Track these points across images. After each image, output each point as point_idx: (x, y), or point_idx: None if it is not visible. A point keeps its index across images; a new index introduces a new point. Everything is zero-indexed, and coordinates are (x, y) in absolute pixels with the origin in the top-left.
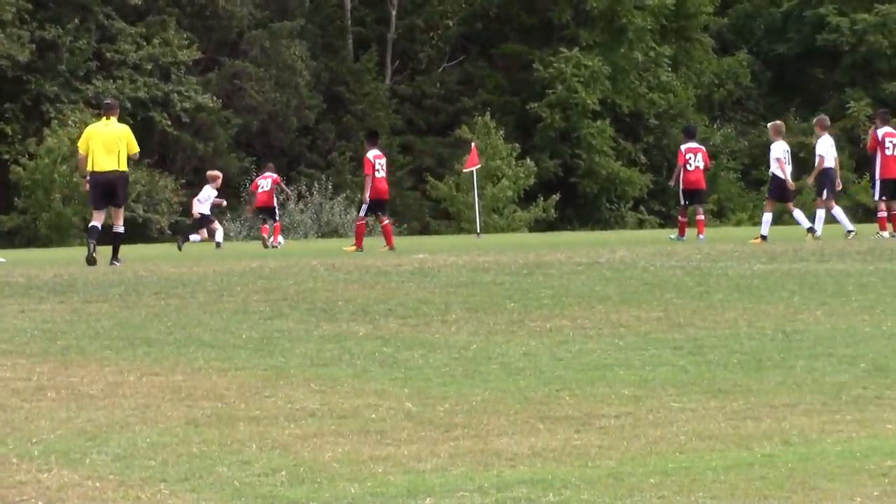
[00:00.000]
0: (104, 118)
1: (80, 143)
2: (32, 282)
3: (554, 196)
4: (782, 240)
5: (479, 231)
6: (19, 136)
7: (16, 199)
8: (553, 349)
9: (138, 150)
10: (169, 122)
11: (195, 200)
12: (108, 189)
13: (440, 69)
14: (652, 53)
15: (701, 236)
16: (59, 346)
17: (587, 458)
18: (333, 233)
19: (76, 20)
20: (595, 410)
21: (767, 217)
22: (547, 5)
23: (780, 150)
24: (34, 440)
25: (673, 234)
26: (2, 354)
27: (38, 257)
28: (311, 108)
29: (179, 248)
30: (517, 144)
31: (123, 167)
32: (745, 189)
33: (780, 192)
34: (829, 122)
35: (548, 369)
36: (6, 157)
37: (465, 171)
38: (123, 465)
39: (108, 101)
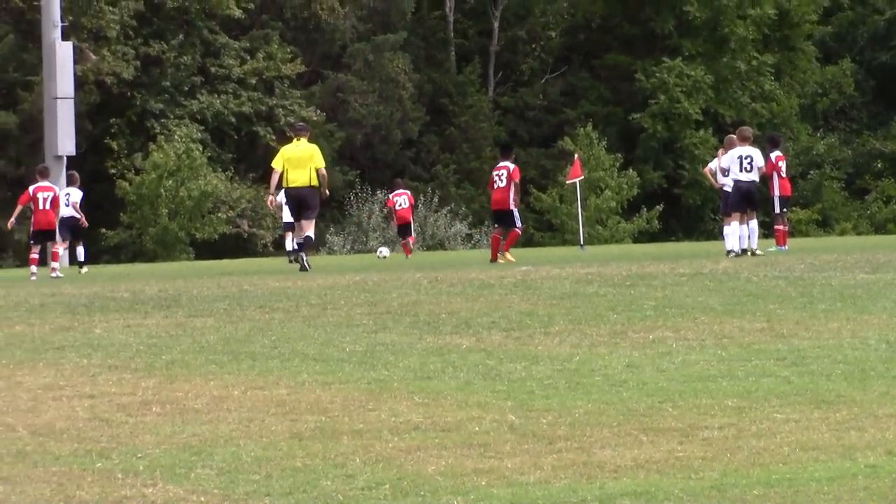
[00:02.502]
0: (294, 139)
1: (275, 162)
2: (137, 297)
3: (657, 207)
4: (887, 249)
5: (582, 242)
6: (125, 152)
7: (122, 214)
8: (656, 360)
9: (324, 163)
10: (273, 137)
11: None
12: (301, 202)
13: (542, 80)
14: (755, 62)
15: (783, 247)
16: (164, 361)
17: (690, 469)
18: (439, 246)
19: (180, 35)
20: (698, 422)
21: (736, 228)
22: (649, 15)
23: (730, 160)
24: (139, 455)
25: (772, 246)
26: (108, 369)
27: (144, 271)
28: (414, 120)
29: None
30: (620, 155)
31: (313, 182)
32: (850, 198)
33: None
34: (749, 134)
35: (651, 381)
36: (112, 172)
37: (568, 182)
38: (228, 480)
39: (299, 123)
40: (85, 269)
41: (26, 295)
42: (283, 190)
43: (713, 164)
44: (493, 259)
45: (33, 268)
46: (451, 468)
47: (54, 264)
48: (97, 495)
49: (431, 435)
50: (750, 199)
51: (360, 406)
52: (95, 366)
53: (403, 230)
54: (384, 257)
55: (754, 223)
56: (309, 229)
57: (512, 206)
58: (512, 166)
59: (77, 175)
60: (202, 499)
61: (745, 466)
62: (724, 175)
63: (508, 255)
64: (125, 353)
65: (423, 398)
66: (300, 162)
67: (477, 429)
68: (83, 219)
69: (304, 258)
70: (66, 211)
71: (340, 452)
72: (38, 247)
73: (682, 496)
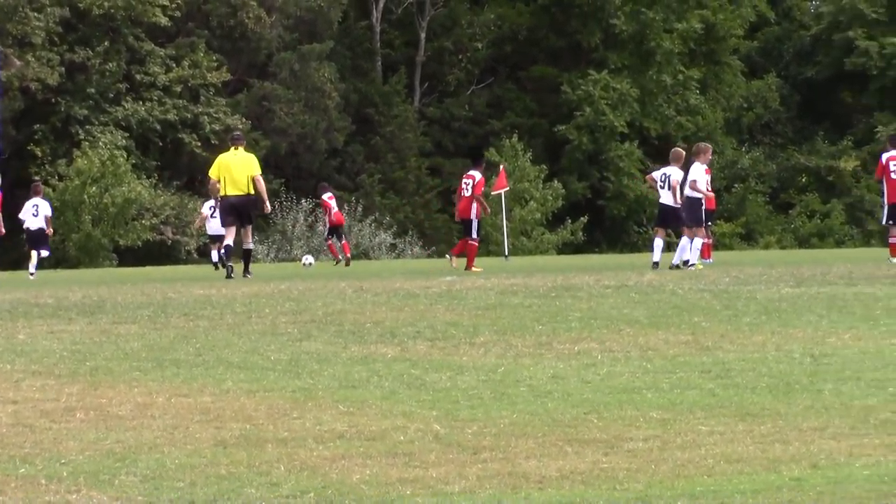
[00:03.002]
0: (232, 148)
1: (212, 171)
2: (61, 303)
3: (582, 219)
4: (811, 263)
5: (507, 254)
6: (49, 158)
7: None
8: (581, 372)
9: (259, 172)
10: (198, 144)
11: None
12: (239, 210)
13: (469, 91)
14: (680, 76)
15: (708, 259)
16: (88, 367)
17: (615, 481)
18: (363, 255)
19: (105, 42)
20: (623, 433)
21: (696, 243)
22: (576, 28)
23: (698, 172)
24: (63, 461)
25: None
26: (31, 375)
27: (68, 278)
28: (339, 130)
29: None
30: (545, 167)
31: (250, 190)
32: (774, 212)
33: (697, 214)
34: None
35: (576, 392)
36: (36, 178)
37: (493, 193)
38: (152, 487)
39: (236, 132)
40: (34, 277)
41: None
42: (207, 202)
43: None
44: (469, 266)
45: None
46: (375, 477)
47: None
48: (20, 501)
49: (356, 444)
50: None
51: (284, 414)
52: (19, 371)
53: (339, 232)
54: (309, 265)
55: (684, 239)
56: (248, 238)
57: (473, 216)
58: (479, 177)
59: (41, 186)
60: None
61: (670, 478)
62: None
63: (475, 268)
64: (49, 359)
65: (347, 407)
66: (237, 170)
67: (402, 438)
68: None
69: (247, 269)
70: (33, 222)
71: (265, 460)
72: None
73: None
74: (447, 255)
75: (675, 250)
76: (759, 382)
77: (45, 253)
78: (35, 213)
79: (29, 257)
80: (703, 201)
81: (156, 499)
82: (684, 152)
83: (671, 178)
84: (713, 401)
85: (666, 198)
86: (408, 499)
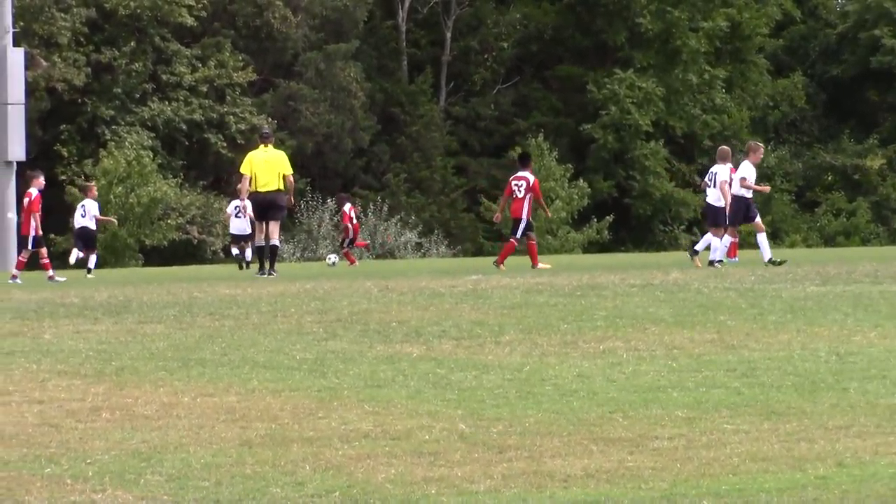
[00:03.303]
0: (262, 145)
1: (244, 167)
2: (87, 303)
3: (607, 217)
4: (837, 261)
5: None
6: (75, 158)
7: (70, 220)
8: (606, 371)
9: (291, 170)
10: (224, 144)
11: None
12: (268, 206)
13: (494, 91)
14: (706, 75)
15: (734, 258)
16: (114, 367)
17: (640, 479)
18: (388, 254)
19: (132, 43)
20: (648, 432)
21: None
22: (601, 27)
23: (748, 170)
24: (88, 461)
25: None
26: (57, 375)
27: (94, 278)
28: (365, 129)
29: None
30: (571, 165)
31: (280, 187)
32: (799, 211)
33: (739, 215)
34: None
35: (601, 391)
36: (62, 178)
37: None
38: (177, 486)
39: (265, 130)
40: (91, 275)
41: None
42: (233, 201)
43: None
44: (535, 264)
45: (14, 271)
46: (400, 476)
47: (14, 271)
48: (46, 501)
49: (381, 443)
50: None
51: (309, 414)
52: (45, 371)
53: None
54: (333, 264)
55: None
56: (276, 235)
57: (523, 216)
58: (532, 179)
59: (92, 187)
60: None
61: (695, 477)
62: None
63: (502, 266)
64: (75, 358)
65: (373, 406)
66: (269, 167)
67: (427, 437)
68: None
69: (271, 267)
70: (80, 221)
71: (290, 460)
72: (24, 252)
73: None
74: (493, 264)
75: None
76: (785, 381)
77: (92, 259)
78: (83, 214)
79: (84, 256)
80: (749, 203)
81: (181, 498)
82: (730, 150)
83: (717, 177)
84: (738, 399)
85: (712, 196)
86: (433, 498)
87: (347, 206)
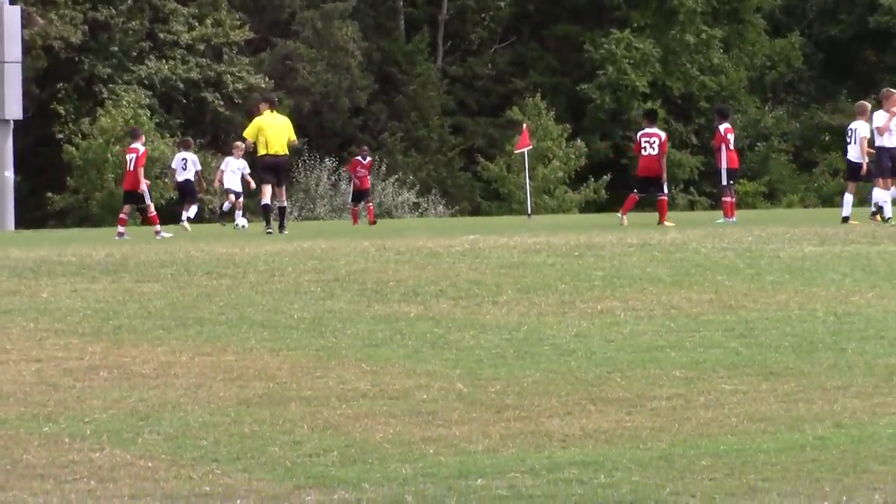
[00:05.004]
0: (268, 111)
1: (248, 132)
2: (84, 261)
3: (604, 177)
4: (834, 222)
5: (529, 212)
6: (72, 116)
7: (68, 178)
8: (604, 331)
9: (295, 137)
10: (221, 103)
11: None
12: (277, 169)
13: (491, 50)
14: (703, 35)
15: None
16: (112, 326)
17: (638, 439)
18: (386, 214)
19: (128, 1)
20: (646, 392)
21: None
22: None
23: (881, 119)
24: (86, 419)
25: (720, 218)
26: (54, 333)
27: (91, 236)
28: (362, 89)
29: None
30: (568, 125)
31: (286, 151)
32: (797, 171)
33: (883, 164)
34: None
35: (599, 351)
36: (59, 136)
37: (516, 151)
38: (175, 445)
39: (271, 95)
40: (188, 228)
41: None
42: (227, 159)
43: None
44: (662, 221)
45: (120, 228)
46: (398, 436)
47: (120, 228)
48: (44, 459)
49: (379, 402)
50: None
51: (307, 373)
52: (42, 330)
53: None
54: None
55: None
56: (283, 196)
57: (663, 174)
58: (663, 135)
59: (190, 140)
60: (149, 464)
61: (693, 437)
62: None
63: (668, 223)
64: (72, 317)
65: (370, 366)
66: (279, 132)
67: (425, 397)
68: (201, 183)
69: (282, 226)
70: (182, 175)
71: (288, 419)
72: (128, 206)
73: (630, 466)
74: (618, 215)
75: (868, 204)
76: (783, 341)
77: (193, 208)
78: (184, 167)
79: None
80: (891, 151)
81: (179, 457)
82: (869, 105)
83: (857, 133)
84: (736, 359)
85: (853, 153)
86: (431, 457)
87: (367, 159)
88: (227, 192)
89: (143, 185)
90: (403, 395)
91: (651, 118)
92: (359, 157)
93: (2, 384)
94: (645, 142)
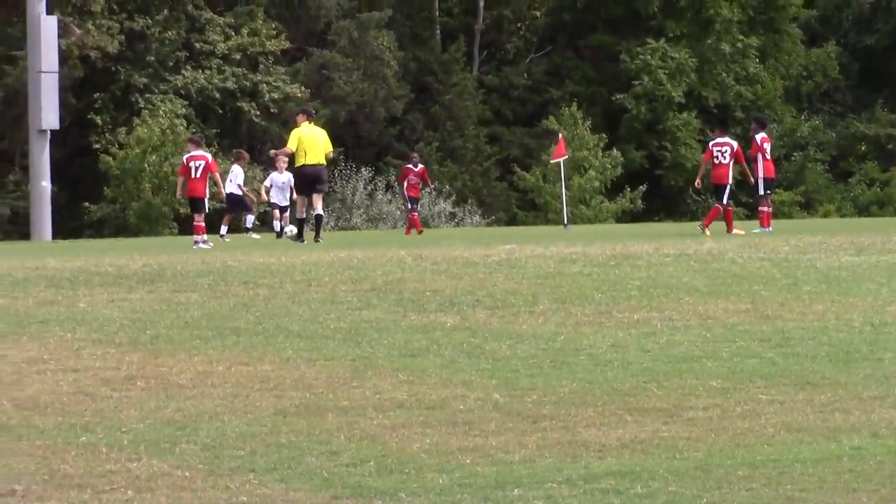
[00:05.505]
0: (306, 122)
1: (291, 143)
2: (122, 271)
3: (640, 187)
4: (871, 231)
5: (566, 222)
6: (109, 126)
7: (105, 188)
8: (641, 341)
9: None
10: (257, 113)
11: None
12: (315, 179)
13: (527, 60)
14: (739, 45)
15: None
16: (149, 336)
17: (675, 450)
18: (422, 224)
19: (165, 11)
20: (683, 402)
21: None
22: None
23: None
24: (123, 429)
25: (756, 228)
26: (91, 344)
27: (128, 246)
28: (398, 98)
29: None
30: (604, 135)
31: (324, 161)
32: (833, 181)
33: None
34: None
35: (635, 361)
36: (96, 146)
37: (552, 161)
38: (212, 455)
39: (310, 108)
40: (256, 236)
41: (10, 268)
42: (271, 175)
43: None
44: (730, 229)
45: (199, 236)
46: (435, 446)
47: (196, 237)
48: (81, 469)
49: (416, 412)
50: None
51: (344, 383)
52: (79, 340)
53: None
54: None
55: None
56: (320, 205)
57: (729, 181)
58: (735, 145)
59: (245, 153)
60: (186, 474)
61: (730, 447)
62: None
63: (707, 231)
64: (109, 327)
65: (407, 376)
66: (317, 143)
67: (461, 407)
68: (248, 195)
69: (317, 235)
70: (229, 187)
71: (325, 429)
72: (202, 215)
73: (666, 476)
74: (699, 226)
75: None
76: (819, 351)
77: (249, 218)
78: (231, 179)
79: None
80: None
81: (216, 467)
82: None
83: None
84: (773, 370)
85: None
86: (467, 468)
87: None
88: (272, 206)
89: (208, 194)
90: (440, 405)
91: (723, 127)
92: (409, 165)
93: (39, 394)
94: (717, 151)
